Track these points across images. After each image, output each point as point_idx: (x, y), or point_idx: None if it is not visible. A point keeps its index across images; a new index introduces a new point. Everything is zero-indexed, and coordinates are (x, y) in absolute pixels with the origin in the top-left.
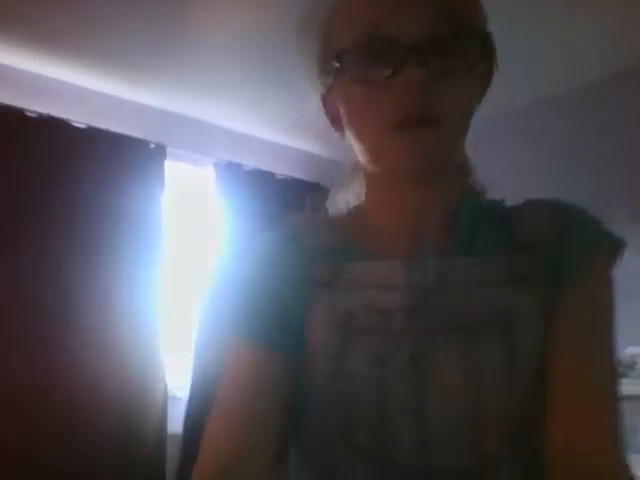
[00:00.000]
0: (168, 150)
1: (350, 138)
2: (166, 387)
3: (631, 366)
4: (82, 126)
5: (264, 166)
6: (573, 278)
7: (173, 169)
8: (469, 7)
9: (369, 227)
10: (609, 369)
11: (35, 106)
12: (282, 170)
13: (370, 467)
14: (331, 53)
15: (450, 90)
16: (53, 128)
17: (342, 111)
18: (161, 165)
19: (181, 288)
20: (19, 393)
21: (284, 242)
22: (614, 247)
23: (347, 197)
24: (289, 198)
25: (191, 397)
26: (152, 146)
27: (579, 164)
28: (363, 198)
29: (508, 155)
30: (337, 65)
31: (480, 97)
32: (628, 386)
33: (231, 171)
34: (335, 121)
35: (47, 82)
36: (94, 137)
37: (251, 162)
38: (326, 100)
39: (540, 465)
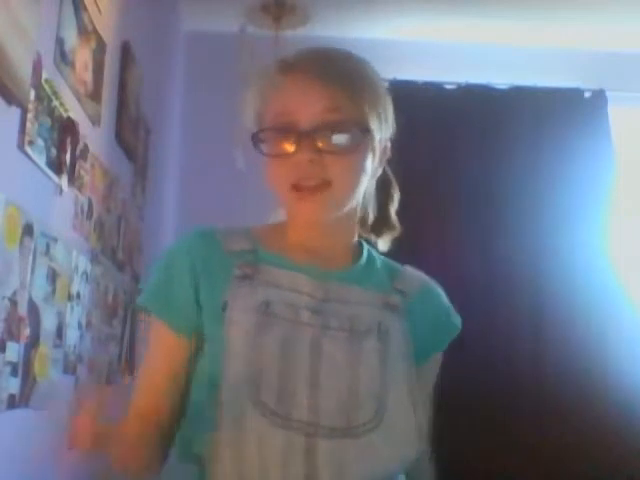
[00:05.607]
0: (608, 95)
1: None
2: None
3: None
4: (504, 87)
5: None
6: (439, 350)
7: (618, 116)
8: (351, 104)
9: (287, 241)
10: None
11: (453, 77)
12: None
13: (271, 419)
14: (255, 129)
15: (337, 163)
16: (473, 96)
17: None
18: (603, 114)
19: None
20: None
21: (209, 243)
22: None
23: (274, 216)
24: None
25: None
26: (588, 94)
27: None
28: (285, 219)
29: None
30: (256, 140)
31: (375, 167)
32: None
33: None
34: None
35: (466, 51)
36: (518, 97)
37: None
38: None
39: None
